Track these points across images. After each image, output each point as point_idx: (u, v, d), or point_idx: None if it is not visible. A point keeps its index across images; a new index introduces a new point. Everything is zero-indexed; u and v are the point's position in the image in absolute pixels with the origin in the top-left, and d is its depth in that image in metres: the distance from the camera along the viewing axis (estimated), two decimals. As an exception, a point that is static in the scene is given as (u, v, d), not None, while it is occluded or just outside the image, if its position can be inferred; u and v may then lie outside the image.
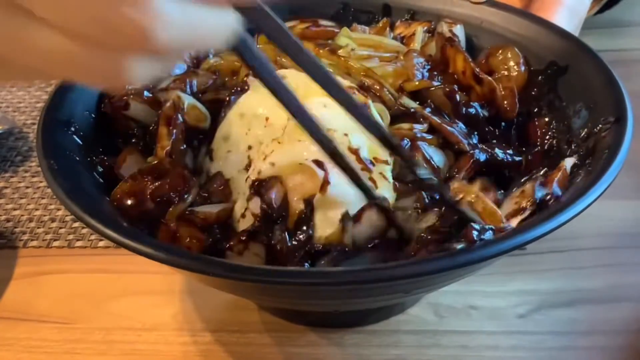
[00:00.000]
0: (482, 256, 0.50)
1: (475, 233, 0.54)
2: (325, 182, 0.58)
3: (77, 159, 0.65)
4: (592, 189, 0.55)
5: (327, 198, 0.58)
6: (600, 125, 0.63)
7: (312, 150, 0.59)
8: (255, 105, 0.65)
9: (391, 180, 0.61)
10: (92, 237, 0.80)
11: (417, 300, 0.70)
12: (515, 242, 0.51)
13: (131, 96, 0.69)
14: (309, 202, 0.59)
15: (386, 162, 0.61)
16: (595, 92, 0.67)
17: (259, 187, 0.60)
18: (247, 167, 0.64)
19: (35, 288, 0.74)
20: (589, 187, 0.56)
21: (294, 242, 0.58)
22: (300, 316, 0.69)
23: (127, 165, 0.66)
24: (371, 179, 0.60)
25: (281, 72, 0.64)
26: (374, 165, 0.60)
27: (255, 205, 0.60)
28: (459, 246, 0.53)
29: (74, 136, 0.67)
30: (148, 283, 0.74)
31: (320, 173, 0.59)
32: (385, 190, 0.60)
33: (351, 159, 0.59)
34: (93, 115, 0.70)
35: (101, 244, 0.79)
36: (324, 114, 0.60)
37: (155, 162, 0.64)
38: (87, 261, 0.77)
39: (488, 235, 0.54)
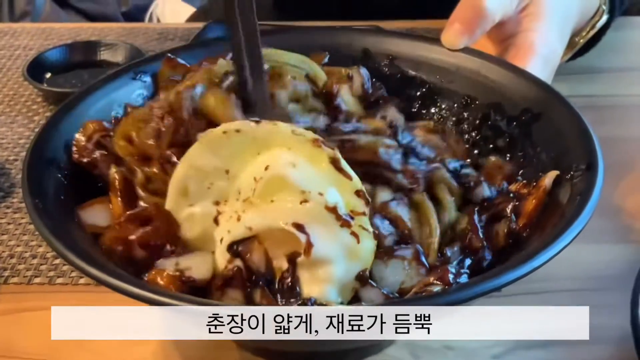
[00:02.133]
0: (458, 299, 0.52)
1: (451, 276, 0.55)
2: (309, 246, 0.58)
3: (62, 197, 0.66)
4: (565, 234, 0.57)
5: (311, 259, 0.59)
6: (572, 172, 0.65)
7: (289, 212, 0.59)
8: (208, 157, 0.64)
9: (370, 230, 0.61)
10: (73, 274, 0.80)
11: (394, 340, 0.71)
12: (490, 286, 0.53)
13: (98, 156, 0.70)
14: (291, 260, 0.59)
15: (363, 214, 0.61)
16: (567, 139, 0.69)
17: (237, 250, 0.60)
18: (217, 221, 0.64)
19: (15, 325, 0.75)
20: (562, 231, 0.58)
21: (280, 300, 0.59)
22: (279, 356, 0.69)
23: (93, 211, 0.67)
24: (353, 234, 0.60)
25: (234, 125, 0.64)
26: (352, 219, 0.60)
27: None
28: (436, 289, 0.54)
29: (59, 174, 0.68)
30: (128, 320, 0.74)
31: (302, 237, 0.58)
32: (367, 240, 0.61)
33: (331, 217, 0.59)
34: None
35: (82, 281, 0.79)
36: (294, 175, 0.60)
37: (141, 208, 0.64)
38: (68, 298, 0.78)
39: (463, 278, 0.56)
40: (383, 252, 0.61)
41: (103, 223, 0.66)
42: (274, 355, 0.69)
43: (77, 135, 0.71)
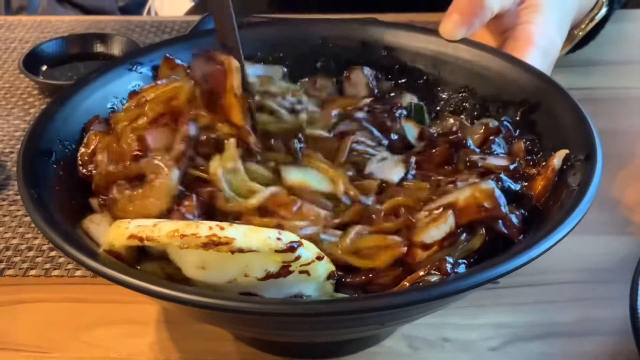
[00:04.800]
0: (456, 289, 0.52)
1: (449, 266, 0.55)
2: None
3: (57, 188, 0.66)
4: (563, 225, 0.57)
5: None
6: (570, 163, 0.65)
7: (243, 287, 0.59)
8: None
9: (313, 257, 0.58)
10: (69, 266, 0.80)
11: (392, 332, 0.71)
12: (488, 276, 0.53)
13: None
14: None
15: (296, 258, 0.57)
16: (566, 129, 0.69)
17: None
18: None
19: (11, 317, 0.74)
20: (560, 222, 0.57)
21: None
22: (276, 347, 0.69)
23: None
24: (302, 272, 0.57)
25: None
26: (290, 267, 0.57)
27: None
28: (433, 279, 0.54)
29: (54, 166, 0.68)
30: (124, 312, 0.74)
31: None
32: (318, 266, 0.58)
33: (271, 281, 0.57)
34: (73, 146, 0.71)
35: (78, 273, 0.79)
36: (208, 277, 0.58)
37: None
38: (63, 290, 0.77)
39: (461, 269, 0.55)
40: None
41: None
42: (270, 347, 0.69)
43: (80, 150, 0.70)
